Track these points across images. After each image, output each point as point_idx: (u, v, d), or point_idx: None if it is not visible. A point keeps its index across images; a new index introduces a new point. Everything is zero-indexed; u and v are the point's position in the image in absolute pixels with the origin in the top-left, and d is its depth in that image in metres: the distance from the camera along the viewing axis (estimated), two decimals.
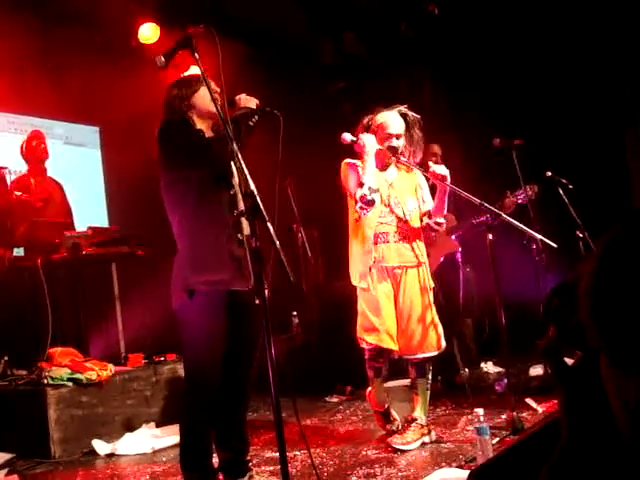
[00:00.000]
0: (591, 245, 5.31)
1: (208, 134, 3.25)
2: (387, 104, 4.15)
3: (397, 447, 3.91)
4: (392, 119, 4.06)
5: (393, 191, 4.09)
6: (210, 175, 3.16)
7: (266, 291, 2.59)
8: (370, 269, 4.03)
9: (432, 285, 4.11)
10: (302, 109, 7.59)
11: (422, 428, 4.01)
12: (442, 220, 4.06)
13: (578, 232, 5.36)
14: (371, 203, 3.92)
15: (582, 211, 5.35)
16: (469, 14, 7.18)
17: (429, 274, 4.12)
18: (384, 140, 4.03)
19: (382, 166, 4.16)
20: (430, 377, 4.10)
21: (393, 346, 4.02)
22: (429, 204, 4.16)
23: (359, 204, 3.95)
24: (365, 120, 4.15)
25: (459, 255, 5.44)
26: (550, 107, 6.97)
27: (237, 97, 3.11)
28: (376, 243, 4.03)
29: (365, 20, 7.81)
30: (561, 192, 5.31)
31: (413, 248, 4.06)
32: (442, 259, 5.28)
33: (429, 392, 4.12)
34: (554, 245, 3.92)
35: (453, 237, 5.29)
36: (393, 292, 4.05)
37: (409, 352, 4.05)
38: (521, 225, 3.92)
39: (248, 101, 3.14)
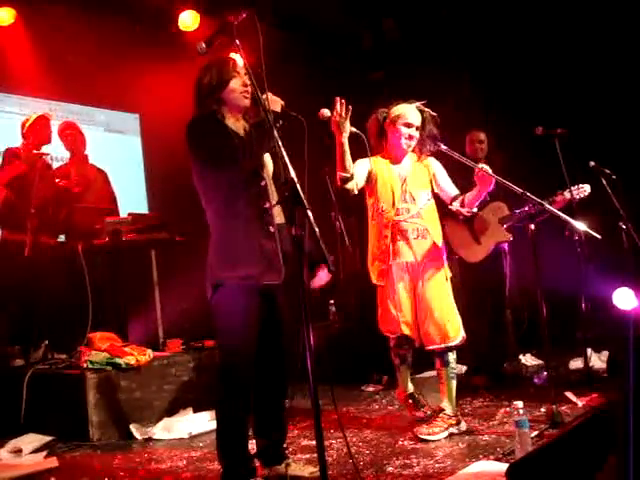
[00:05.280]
0: (635, 237, 5.20)
1: (237, 127, 3.20)
2: (405, 98, 4.17)
3: (422, 437, 3.91)
4: (411, 110, 4.09)
5: (407, 187, 4.12)
6: (240, 172, 3.11)
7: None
8: (390, 266, 4.09)
9: (450, 275, 4.14)
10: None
11: (449, 418, 3.99)
12: (475, 210, 4.19)
13: (621, 224, 5.25)
14: (346, 192, 3.97)
15: (627, 202, 5.23)
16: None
17: (447, 265, 4.15)
18: (402, 128, 4.07)
19: (397, 157, 4.18)
20: (454, 366, 4.07)
21: (412, 335, 4.08)
22: (452, 189, 4.17)
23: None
24: (379, 112, 4.20)
25: (506, 245, 5.35)
26: (595, 96, 6.82)
27: (262, 97, 2.92)
28: (395, 241, 4.08)
29: (405, 7, 7.75)
30: (604, 183, 5.20)
31: (429, 242, 4.09)
32: (492, 247, 5.20)
33: (454, 381, 4.07)
34: (598, 237, 3.82)
35: (504, 226, 5.20)
36: (411, 286, 4.09)
37: (431, 343, 4.04)
38: (565, 216, 3.83)
39: (273, 103, 3.00)
